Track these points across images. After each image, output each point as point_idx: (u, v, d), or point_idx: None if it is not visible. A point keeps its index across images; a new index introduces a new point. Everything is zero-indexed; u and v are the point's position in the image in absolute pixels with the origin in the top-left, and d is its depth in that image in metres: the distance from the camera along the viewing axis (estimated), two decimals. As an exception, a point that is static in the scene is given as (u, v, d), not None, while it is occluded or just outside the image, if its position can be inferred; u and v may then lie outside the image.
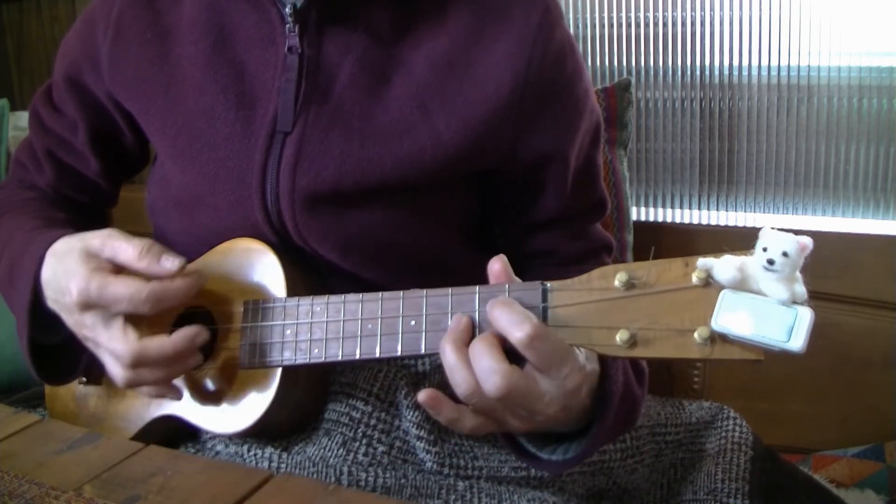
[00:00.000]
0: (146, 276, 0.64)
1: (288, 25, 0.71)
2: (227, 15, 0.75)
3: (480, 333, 0.57)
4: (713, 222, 1.43)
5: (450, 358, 0.56)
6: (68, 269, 0.66)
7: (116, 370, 0.65)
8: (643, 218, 1.48)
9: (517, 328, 0.54)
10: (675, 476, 0.79)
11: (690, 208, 1.47)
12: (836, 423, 1.22)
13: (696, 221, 1.45)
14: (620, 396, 0.62)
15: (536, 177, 0.76)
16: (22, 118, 1.67)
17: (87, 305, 0.64)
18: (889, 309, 1.18)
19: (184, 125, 0.74)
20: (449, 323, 0.59)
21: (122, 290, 0.63)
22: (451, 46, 0.72)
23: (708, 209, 1.46)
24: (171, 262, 0.63)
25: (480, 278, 0.59)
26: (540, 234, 0.79)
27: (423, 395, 0.58)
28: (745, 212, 1.43)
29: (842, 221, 1.36)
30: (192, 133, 0.74)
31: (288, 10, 0.71)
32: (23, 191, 0.87)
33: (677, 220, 1.46)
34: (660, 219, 1.48)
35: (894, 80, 1.28)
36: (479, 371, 0.55)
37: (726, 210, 1.44)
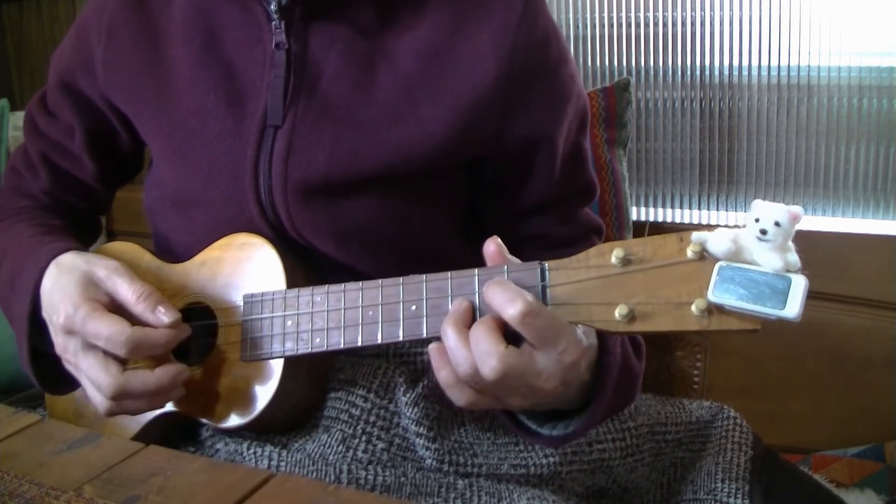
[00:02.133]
0: (136, 320, 0.65)
1: (274, 23, 0.72)
2: (214, 15, 0.76)
3: (481, 316, 0.58)
4: (713, 222, 1.43)
5: (451, 339, 0.57)
6: (64, 287, 0.67)
7: (98, 399, 0.66)
8: (643, 218, 1.48)
9: (510, 305, 0.54)
10: (674, 475, 0.79)
11: (690, 208, 1.47)
12: (836, 423, 1.22)
13: (695, 221, 1.45)
14: (619, 368, 0.62)
15: (525, 162, 0.77)
16: (22, 118, 1.66)
17: (69, 331, 0.66)
18: (889, 309, 1.18)
19: (177, 125, 0.75)
20: (449, 306, 0.59)
21: (104, 327, 0.63)
22: (435, 36, 0.72)
23: (708, 209, 1.46)
24: (164, 315, 0.65)
25: (476, 266, 0.60)
26: (530, 218, 0.80)
27: (433, 345, 0.59)
28: (744, 212, 1.41)
29: (842, 221, 1.36)
30: (185, 132, 0.74)
31: (273, 6, 0.71)
32: (18, 198, 0.87)
33: (677, 220, 1.47)
34: (659, 219, 1.48)
35: (894, 80, 1.28)
36: (476, 354, 0.55)
37: (726, 210, 1.44)
